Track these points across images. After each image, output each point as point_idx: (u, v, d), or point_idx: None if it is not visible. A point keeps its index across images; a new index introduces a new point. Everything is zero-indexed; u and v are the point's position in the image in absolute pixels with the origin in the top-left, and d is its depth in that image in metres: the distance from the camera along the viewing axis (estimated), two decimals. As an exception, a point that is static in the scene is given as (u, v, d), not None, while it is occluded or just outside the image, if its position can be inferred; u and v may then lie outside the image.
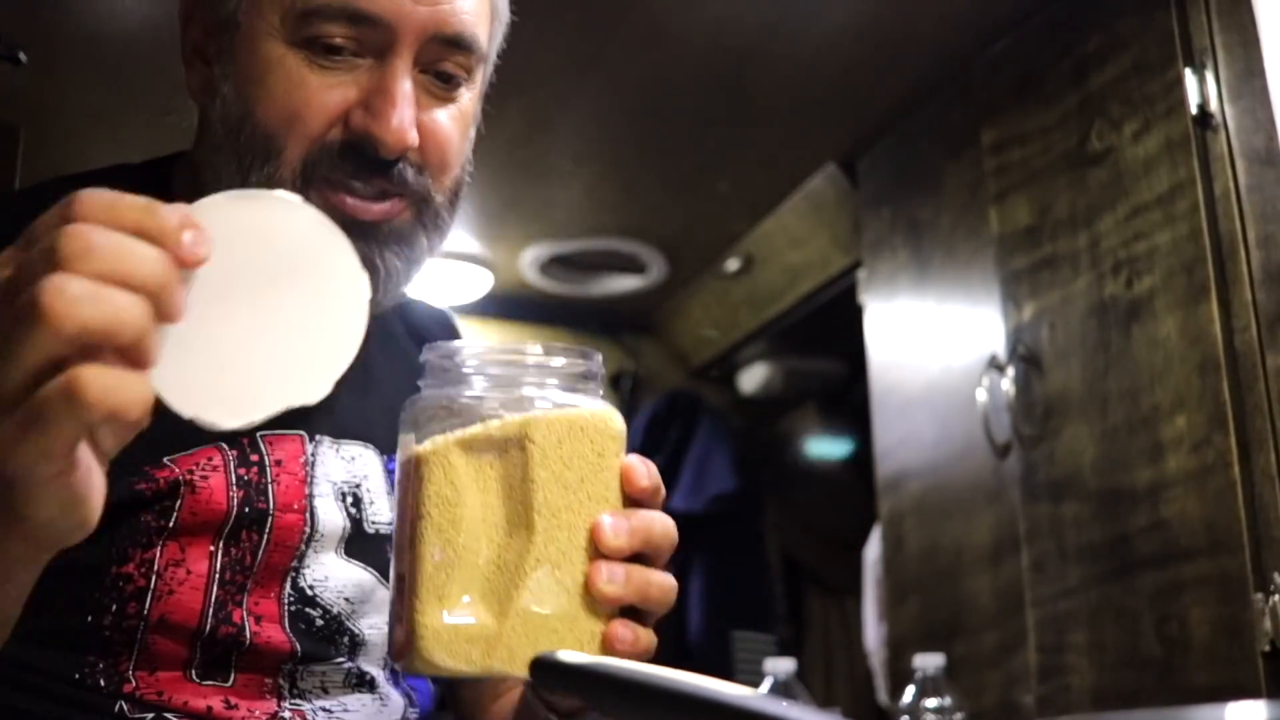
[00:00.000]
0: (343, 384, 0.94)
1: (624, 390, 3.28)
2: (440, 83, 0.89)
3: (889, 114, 2.24)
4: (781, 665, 1.66)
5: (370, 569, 0.92)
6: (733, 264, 2.82)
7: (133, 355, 0.53)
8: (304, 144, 0.84)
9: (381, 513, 0.94)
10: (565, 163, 2.40)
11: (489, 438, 0.66)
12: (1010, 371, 1.87)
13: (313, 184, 0.84)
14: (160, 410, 0.82)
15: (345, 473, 0.93)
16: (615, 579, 0.68)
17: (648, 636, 0.69)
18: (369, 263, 0.84)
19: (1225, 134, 1.59)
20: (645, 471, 0.72)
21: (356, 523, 0.92)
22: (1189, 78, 1.64)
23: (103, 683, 0.82)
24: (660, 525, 0.73)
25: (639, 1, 1.89)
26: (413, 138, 0.85)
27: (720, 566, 2.89)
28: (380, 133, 0.83)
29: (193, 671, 0.84)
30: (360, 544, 0.92)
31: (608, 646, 0.67)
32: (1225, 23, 1.61)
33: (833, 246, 2.57)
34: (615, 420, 0.70)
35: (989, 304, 1.97)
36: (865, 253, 2.35)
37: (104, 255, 0.51)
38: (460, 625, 0.63)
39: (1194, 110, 1.63)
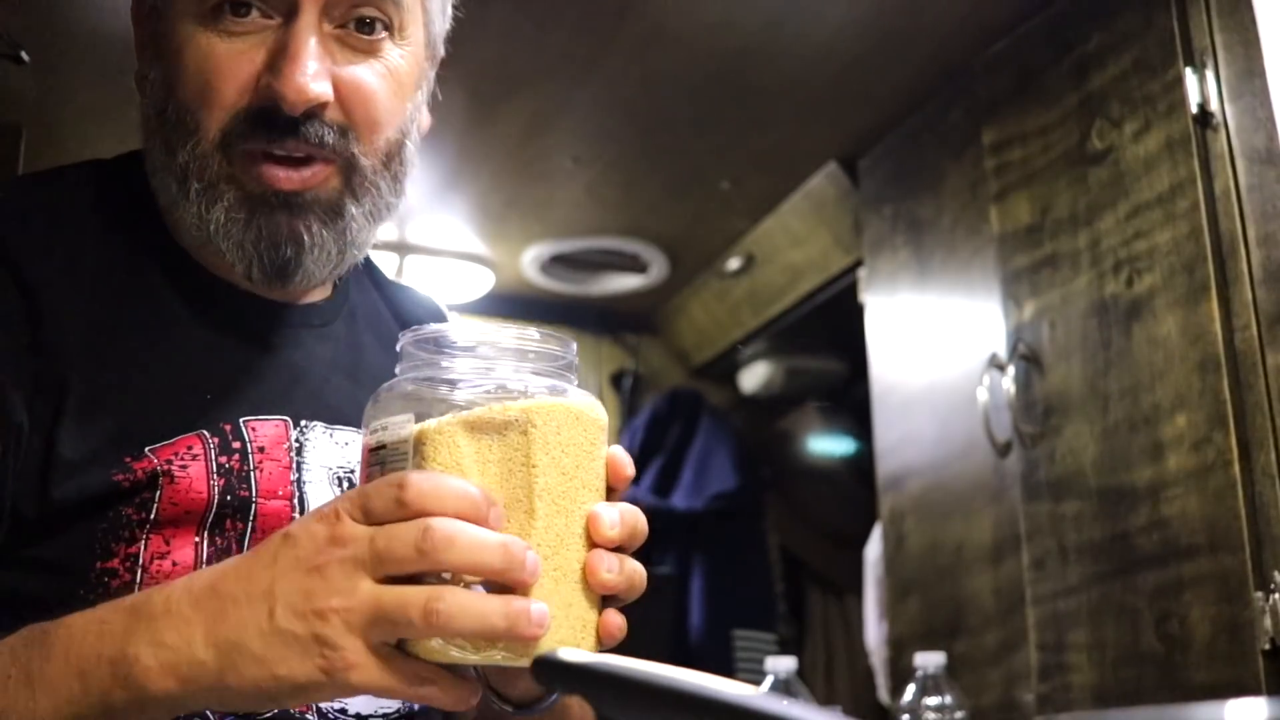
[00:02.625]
0: (334, 370, 0.96)
1: (624, 389, 3.28)
2: (361, 33, 0.87)
3: (890, 113, 2.24)
4: (782, 664, 1.67)
5: None
6: (733, 263, 2.82)
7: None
8: (219, 115, 0.84)
9: None
10: (565, 162, 2.40)
11: (492, 420, 0.66)
12: (1011, 370, 1.87)
13: (232, 155, 0.84)
14: (144, 398, 0.83)
15: (340, 458, 0.92)
16: (613, 569, 0.71)
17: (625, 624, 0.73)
18: (293, 233, 0.85)
19: (1225, 133, 1.59)
20: (629, 462, 0.75)
21: None
22: (1189, 77, 1.64)
23: None
24: (641, 518, 0.76)
25: (639, 1, 1.89)
26: (316, 90, 0.83)
27: (721, 565, 2.89)
28: (281, 88, 0.82)
29: None
30: None
31: (605, 634, 0.69)
32: (1225, 22, 1.61)
33: (833, 245, 2.57)
34: (603, 411, 0.72)
35: (989, 303, 1.97)
36: (866, 252, 2.35)
37: (467, 551, 0.63)
38: None
39: (1194, 109, 1.63)
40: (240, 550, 0.85)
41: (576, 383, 0.72)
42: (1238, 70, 1.59)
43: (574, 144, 2.34)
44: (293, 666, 0.64)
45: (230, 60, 0.83)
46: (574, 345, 0.73)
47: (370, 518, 0.64)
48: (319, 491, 0.89)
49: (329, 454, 0.92)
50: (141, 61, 0.91)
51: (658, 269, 2.93)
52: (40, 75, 2.00)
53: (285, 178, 0.85)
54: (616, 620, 0.71)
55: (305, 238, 0.86)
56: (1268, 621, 1.44)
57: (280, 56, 0.82)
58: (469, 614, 0.62)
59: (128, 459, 0.81)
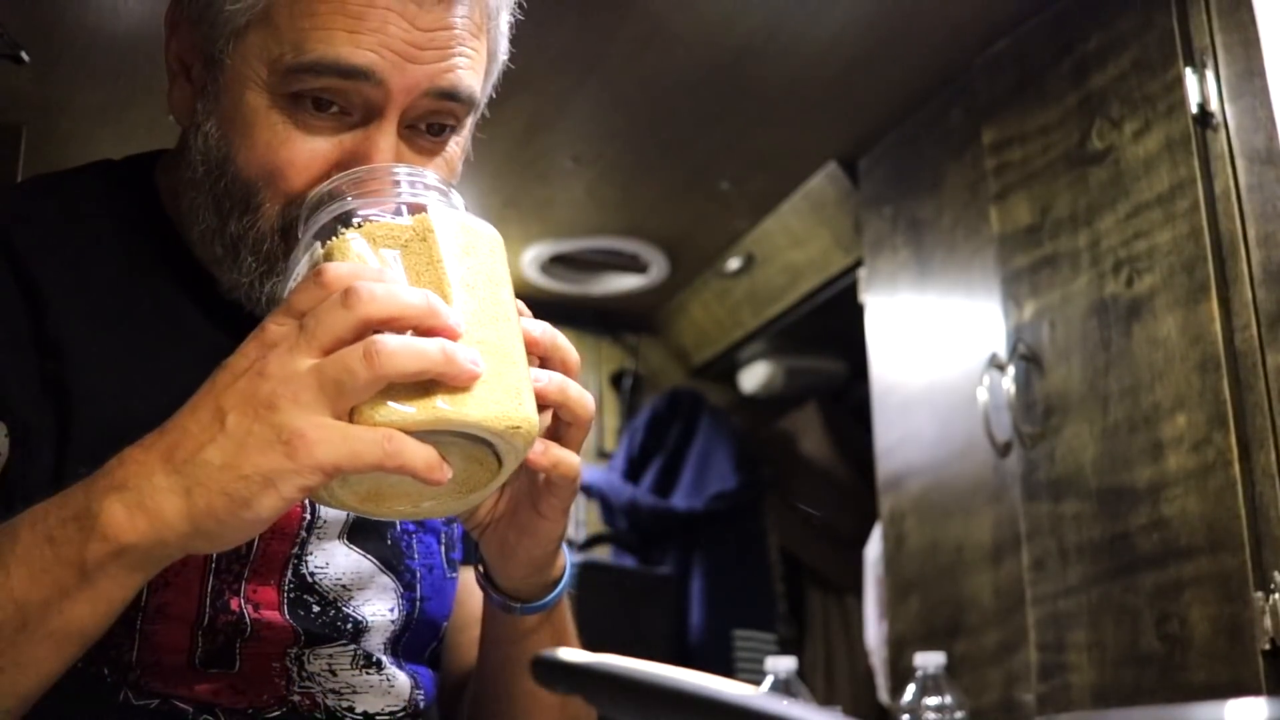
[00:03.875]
0: None
1: (624, 389, 3.28)
2: (430, 135, 0.88)
3: (889, 113, 2.24)
4: (782, 664, 1.67)
5: (370, 557, 0.93)
6: (734, 263, 2.82)
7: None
8: (283, 200, 0.84)
9: None
10: (565, 162, 2.40)
11: (391, 232, 0.70)
12: (1011, 370, 1.87)
13: (291, 237, 0.84)
14: (150, 402, 0.84)
15: None
16: (536, 329, 0.75)
17: (570, 457, 0.77)
18: None
19: (1225, 133, 1.59)
20: (544, 331, 0.77)
21: None
22: (1189, 77, 1.64)
23: (106, 671, 0.82)
24: (561, 336, 0.79)
25: (639, 1, 1.89)
26: None
27: (721, 565, 2.89)
28: None
29: (196, 659, 0.84)
30: (364, 532, 0.92)
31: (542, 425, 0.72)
32: (1225, 22, 1.61)
33: (833, 245, 2.57)
34: (496, 232, 0.76)
35: (989, 303, 1.97)
36: (866, 252, 2.35)
37: (393, 303, 0.65)
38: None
39: (1194, 109, 1.63)
40: (250, 550, 0.85)
41: (463, 208, 0.77)
42: (1238, 70, 1.59)
43: (574, 144, 2.34)
44: (256, 461, 0.63)
45: (306, 153, 0.83)
46: (449, 181, 0.79)
47: (296, 312, 0.66)
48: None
49: None
50: (183, 83, 0.90)
51: (658, 269, 2.93)
52: (40, 75, 2.00)
53: None
54: (547, 420, 0.74)
55: None
56: (1268, 621, 1.44)
57: (362, 164, 0.82)
58: (407, 351, 0.63)
59: None
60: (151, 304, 0.89)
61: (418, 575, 0.95)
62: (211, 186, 0.86)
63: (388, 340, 0.64)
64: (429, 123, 0.87)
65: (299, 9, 0.81)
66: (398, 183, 0.75)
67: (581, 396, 0.77)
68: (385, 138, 0.83)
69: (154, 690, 0.83)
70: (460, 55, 0.85)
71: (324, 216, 0.73)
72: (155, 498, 0.64)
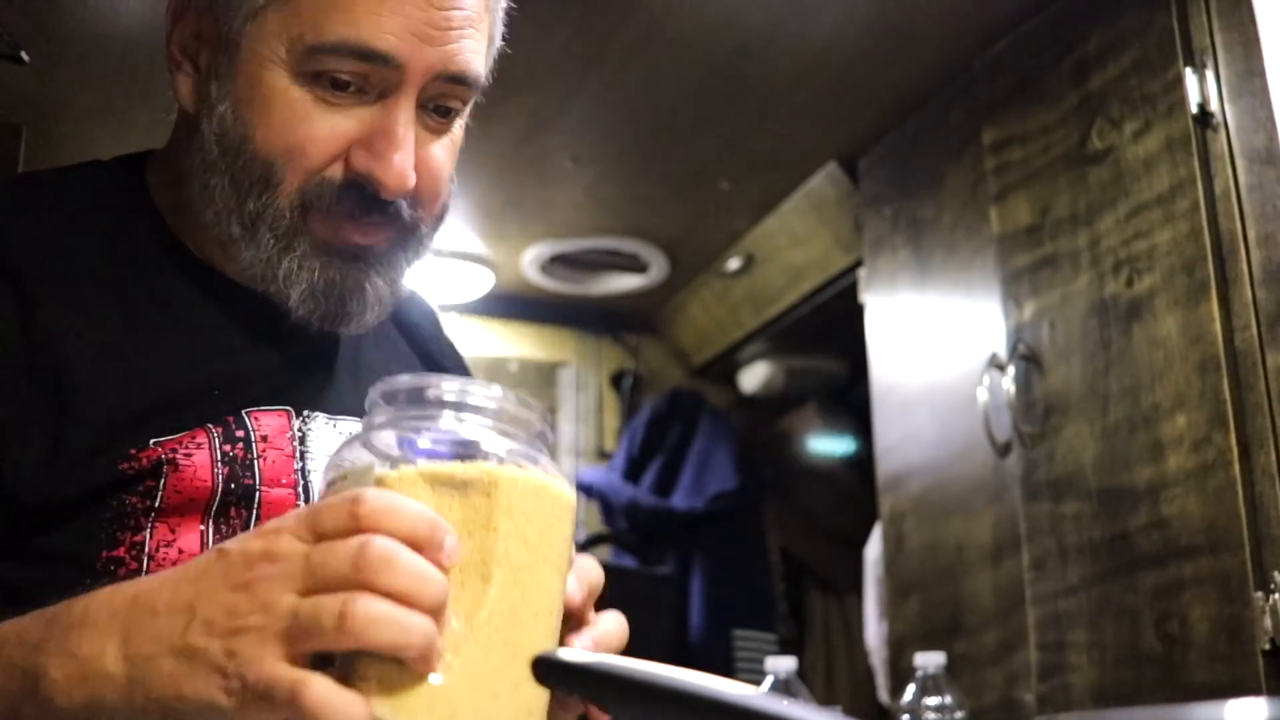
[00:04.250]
0: (336, 364, 0.98)
1: (624, 389, 3.28)
2: (438, 116, 0.89)
3: (890, 113, 2.24)
4: (782, 663, 1.67)
5: None
6: (733, 263, 2.82)
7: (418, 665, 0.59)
8: (303, 176, 0.85)
9: None
10: (565, 162, 2.40)
11: (454, 477, 0.63)
12: (1011, 370, 1.87)
13: (310, 214, 0.86)
14: (149, 391, 0.83)
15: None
16: (579, 594, 0.69)
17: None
18: (358, 286, 0.89)
19: (1225, 133, 1.60)
20: (580, 592, 0.71)
21: None
22: (1189, 77, 1.64)
23: None
24: (597, 574, 0.74)
25: (639, 1, 1.89)
26: (413, 180, 0.86)
27: (721, 565, 2.89)
28: (383, 176, 0.85)
29: None
30: None
31: None
32: (1225, 22, 1.62)
33: (834, 245, 2.57)
34: (572, 491, 0.68)
35: (989, 303, 1.97)
36: (866, 252, 2.35)
37: (404, 576, 0.58)
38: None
39: (1194, 109, 1.63)
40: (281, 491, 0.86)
41: (547, 454, 0.69)
42: (1238, 70, 1.59)
43: (574, 144, 2.34)
44: (197, 687, 0.60)
45: (326, 129, 0.84)
46: (547, 415, 0.70)
47: (318, 533, 0.61)
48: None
49: (332, 444, 0.92)
50: (189, 71, 0.90)
51: (658, 269, 2.93)
52: (40, 75, 2.00)
53: (358, 233, 0.88)
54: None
55: (368, 290, 0.90)
56: (1267, 621, 1.44)
57: (382, 140, 0.84)
58: (388, 625, 0.57)
59: (132, 450, 0.81)
60: (145, 293, 0.89)
61: None
62: (229, 166, 0.86)
63: (371, 606, 0.57)
64: (436, 104, 0.88)
65: None
66: (481, 409, 0.68)
67: (621, 641, 0.74)
68: (405, 117, 0.85)
69: None
70: (469, 39, 0.87)
71: (393, 419, 0.67)
72: (99, 680, 0.63)
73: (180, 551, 0.82)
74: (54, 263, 0.85)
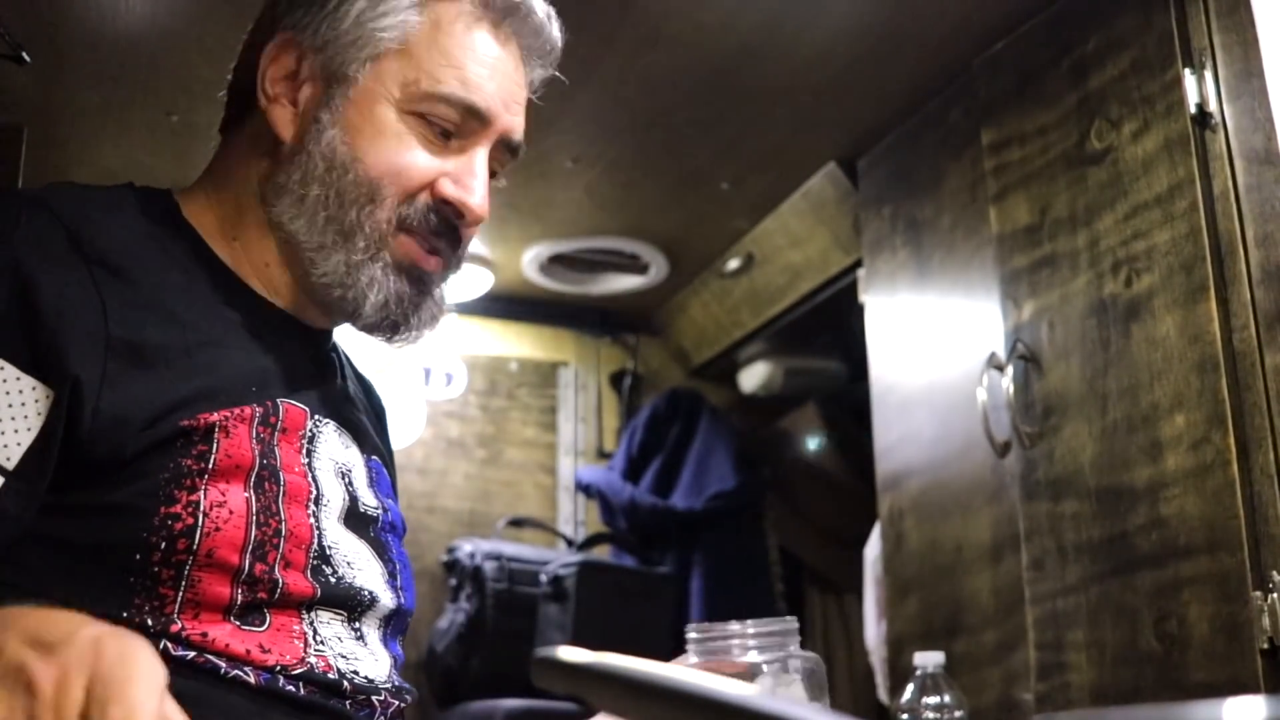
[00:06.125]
0: (342, 382, 1.11)
1: (624, 389, 3.28)
2: (495, 155, 1.09)
3: (889, 113, 2.24)
4: (782, 663, 1.67)
5: (365, 543, 1.04)
6: (733, 263, 2.83)
7: None
8: (400, 197, 1.02)
9: (367, 498, 1.06)
10: (565, 163, 2.41)
11: None
12: (1010, 370, 1.88)
13: (400, 231, 1.03)
14: (206, 372, 0.95)
15: (342, 456, 1.05)
16: None
17: None
18: (419, 303, 1.06)
19: (1224, 133, 1.60)
20: None
21: (353, 500, 1.03)
22: (1188, 77, 1.64)
23: (149, 622, 0.89)
24: None
25: (639, 2, 1.89)
26: (488, 213, 1.06)
27: (720, 564, 2.89)
28: (470, 205, 1.04)
29: (233, 615, 0.92)
30: (355, 520, 1.03)
31: None
32: (1224, 23, 1.62)
33: (833, 245, 2.57)
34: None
35: (988, 303, 1.97)
36: (865, 252, 2.36)
37: None
38: None
39: (1193, 110, 1.63)
40: (278, 510, 0.95)
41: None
42: (1236, 71, 1.59)
43: (574, 144, 2.34)
44: None
45: (424, 160, 1.03)
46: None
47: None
48: (328, 480, 1.01)
49: (335, 449, 1.04)
50: (285, 105, 1.04)
51: (657, 269, 2.93)
52: (40, 75, 2.00)
53: (428, 261, 1.05)
54: None
55: (428, 308, 1.07)
56: (1266, 621, 1.45)
57: (469, 177, 1.04)
58: None
59: (190, 417, 0.92)
60: (196, 295, 1.00)
61: (397, 568, 1.08)
62: (335, 182, 1.01)
63: None
64: (489, 169, 1.07)
65: (437, 47, 1.03)
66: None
67: None
68: (483, 161, 1.05)
69: (193, 642, 0.89)
70: (522, 115, 1.09)
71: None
72: None
73: (230, 512, 0.91)
74: (123, 257, 0.96)
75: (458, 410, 3.11)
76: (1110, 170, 1.75)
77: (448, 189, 1.03)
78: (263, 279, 1.05)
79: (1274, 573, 1.45)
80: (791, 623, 1.00)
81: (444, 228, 1.05)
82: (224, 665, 0.90)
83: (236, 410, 0.95)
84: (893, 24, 1.97)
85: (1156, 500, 1.61)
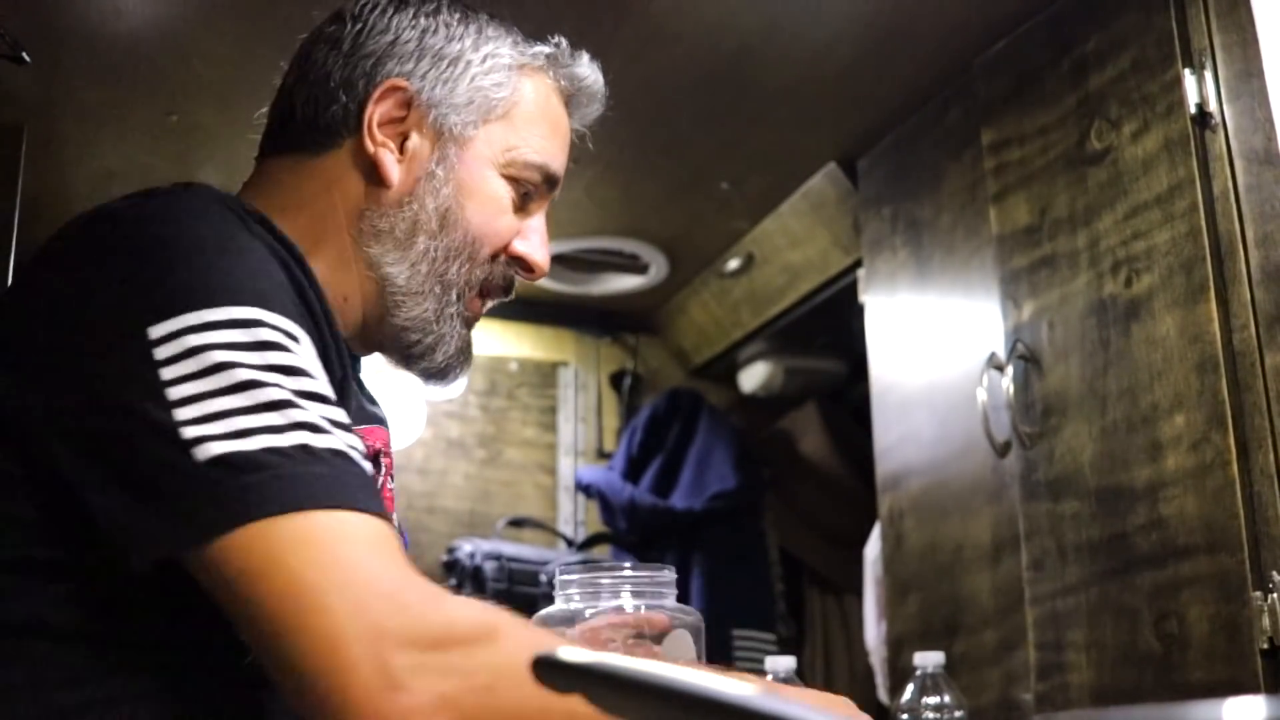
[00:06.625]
0: (356, 404, 1.12)
1: (624, 389, 3.28)
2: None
3: (889, 114, 2.24)
4: (781, 663, 1.67)
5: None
6: (733, 263, 2.83)
7: None
8: (489, 255, 1.09)
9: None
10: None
11: None
12: (1009, 370, 1.88)
13: (486, 290, 1.10)
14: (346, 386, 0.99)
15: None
16: None
17: None
18: (469, 348, 1.12)
19: (1224, 134, 1.60)
20: None
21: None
22: (1188, 78, 1.64)
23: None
24: None
25: (639, 1, 1.89)
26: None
27: (720, 564, 2.89)
28: (539, 262, 1.11)
29: None
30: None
31: None
32: (1224, 23, 1.62)
33: (833, 246, 2.57)
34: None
35: (988, 303, 1.97)
36: (865, 252, 2.36)
37: None
38: None
39: (1193, 110, 1.63)
40: (392, 509, 1.03)
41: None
42: (1236, 71, 1.59)
43: (573, 144, 2.33)
44: None
45: (511, 224, 1.10)
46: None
47: None
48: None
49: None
50: (391, 150, 1.06)
51: (657, 269, 2.93)
52: (40, 75, 2.00)
53: (479, 309, 1.12)
54: None
55: (470, 351, 1.12)
56: (1266, 621, 1.45)
57: (538, 236, 1.12)
58: None
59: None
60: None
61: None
62: (445, 237, 1.06)
63: None
64: None
65: (533, 117, 1.11)
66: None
67: None
68: (544, 221, 1.13)
69: None
70: None
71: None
72: None
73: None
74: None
75: (457, 410, 3.11)
76: (1110, 170, 1.75)
77: (519, 247, 1.10)
78: (335, 307, 1.03)
79: (1274, 573, 1.46)
80: (670, 574, 1.03)
81: (507, 282, 1.12)
82: None
83: (369, 433, 1.02)
84: (893, 24, 1.97)
85: (1156, 500, 1.61)
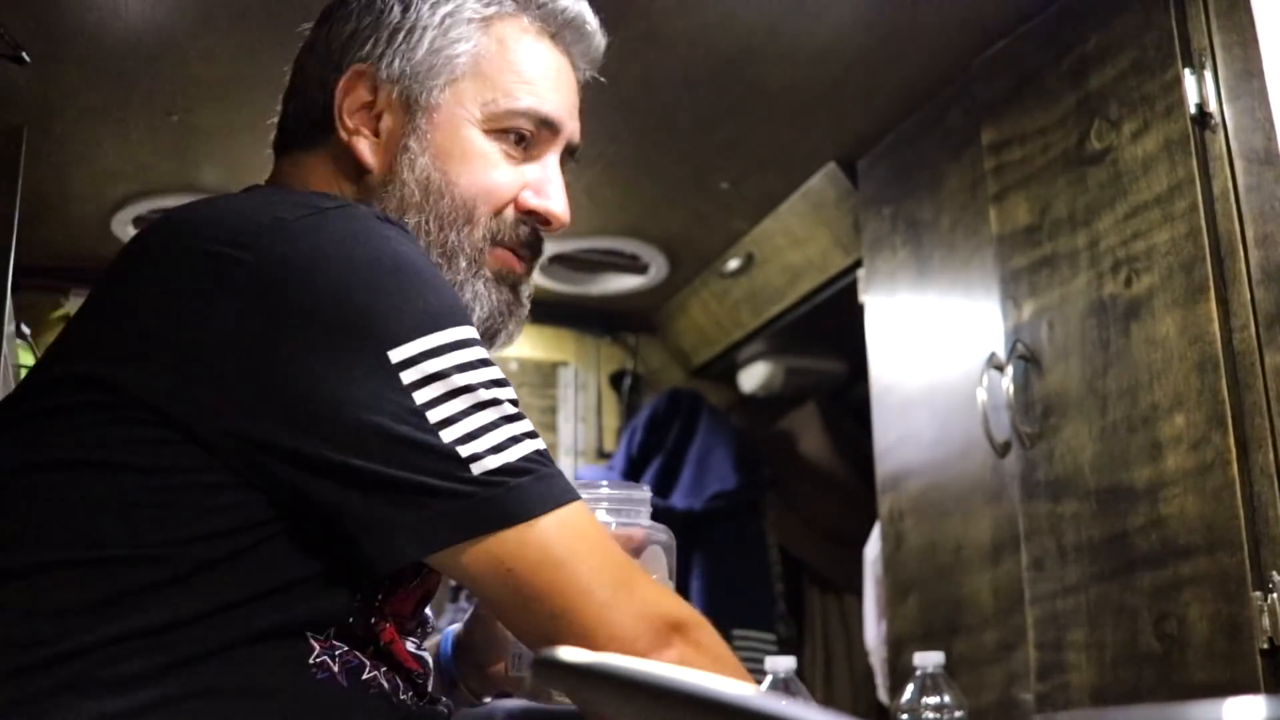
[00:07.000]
0: None
1: (624, 389, 3.28)
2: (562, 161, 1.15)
3: (889, 113, 2.24)
4: (781, 663, 1.67)
5: None
6: (733, 263, 2.83)
7: None
8: (491, 213, 1.07)
9: None
10: (565, 162, 2.40)
11: None
12: (1009, 370, 1.88)
13: (494, 245, 1.08)
14: None
15: None
16: None
17: None
18: (516, 307, 1.11)
19: (1224, 134, 1.60)
20: None
21: None
22: (1188, 77, 1.64)
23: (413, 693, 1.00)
24: None
25: (639, 1, 1.89)
26: (570, 215, 1.12)
27: (720, 564, 2.89)
28: (555, 213, 1.11)
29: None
30: None
31: None
32: (1224, 23, 1.62)
33: (833, 245, 2.57)
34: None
35: (988, 303, 1.97)
36: (865, 252, 2.36)
37: None
38: None
39: (1193, 110, 1.63)
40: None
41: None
42: (1236, 71, 1.59)
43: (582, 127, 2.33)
44: None
45: (510, 177, 1.08)
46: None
47: None
48: None
49: None
50: (367, 135, 1.07)
51: (657, 269, 2.93)
52: (40, 75, 2.00)
53: (519, 265, 1.11)
54: None
55: (519, 312, 1.11)
56: (1266, 621, 1.45)
57: (550, 185, 1.11)
58: None
59: None
60: None
61: None
62: (433, 206, 1.05)
63: None
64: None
65: (507, 64, 1.08)
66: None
67: None
68: (557, 169, 1.12)
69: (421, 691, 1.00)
70: (578, 120, 1.15)
71: None
72: None
73: None
74: None
75: (458, 410, 3.10)
76: (1110, 170, 1.75)
77: (531, 200, 1.09)
78: None
79: (1274, 573, 1.45)
80: (645, 492, 1.07)
81: (531, 237, 1.10)
82: (444, 708, 1.02)
83: None
84: (892, 24, 1.97)
85: (1156, 500, 1.61)
